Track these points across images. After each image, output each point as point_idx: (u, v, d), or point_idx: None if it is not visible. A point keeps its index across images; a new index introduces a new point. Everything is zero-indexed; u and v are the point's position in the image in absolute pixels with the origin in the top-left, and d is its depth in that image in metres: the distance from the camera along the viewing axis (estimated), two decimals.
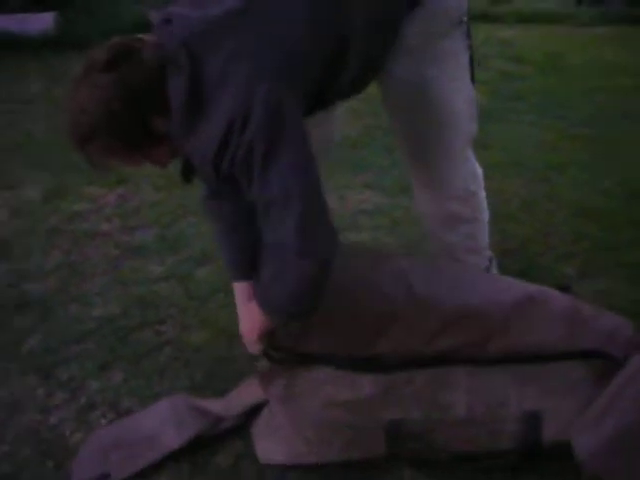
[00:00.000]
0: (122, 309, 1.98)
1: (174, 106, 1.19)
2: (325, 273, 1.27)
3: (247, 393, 1.56)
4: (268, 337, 1.44)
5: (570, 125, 3.31)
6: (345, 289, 1.42)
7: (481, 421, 1.37)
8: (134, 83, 1.17)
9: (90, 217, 2.54)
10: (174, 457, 1.45)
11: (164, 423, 1.53)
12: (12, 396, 1.67)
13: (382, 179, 2.75)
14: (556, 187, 2.69)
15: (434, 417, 1.38)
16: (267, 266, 1.31)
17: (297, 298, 1.29)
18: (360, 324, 1.41)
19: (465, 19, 1.51)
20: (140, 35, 1.24)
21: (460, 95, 1.54)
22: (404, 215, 2.41)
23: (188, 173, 1.37)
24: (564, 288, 1.70)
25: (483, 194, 1.73)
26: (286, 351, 1.45)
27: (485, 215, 1.76)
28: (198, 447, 1.47)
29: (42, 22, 4.99)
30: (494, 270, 1.83)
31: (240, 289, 1.55)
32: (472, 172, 1.68)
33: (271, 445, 1.45)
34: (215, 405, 1.55)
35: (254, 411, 1.53)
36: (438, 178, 1.64)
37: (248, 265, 1.47)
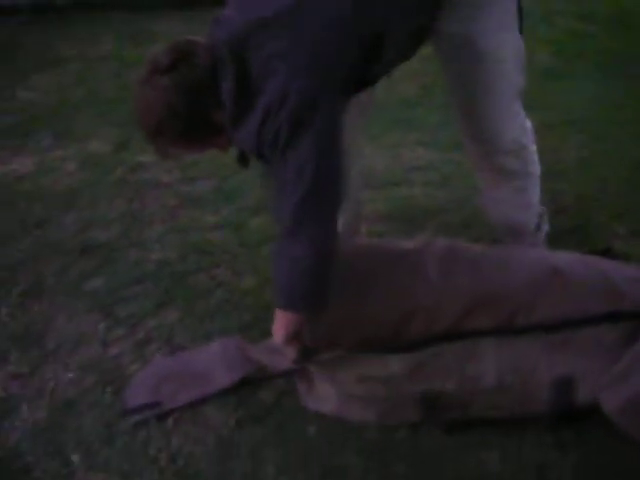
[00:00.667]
0: (178, 254, 2.08)
1: (226, 103, 1.31)
2: (320, 261, 1.33)
3: (291, 351, 1.59)
4: (295, 342, 1.48)
5: (632, 83, 3.21)
6: (364, 289, 1.47)
7: (512, 388, 1.39)
8: (193, 84, 1.30)
9: (152, 168, 2.65)
10: (220, 391, 1.55)
11: (215, 363, 1.62)
12: (77, 330, 1.80)
13: (435, 136, 2.75)
14: (613, 144, 2.64)
15: (466, 388, 1.41)
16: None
17: (292, 284, 1.36)
18: (383, 323, 1.45)
19: None
20: (192, 37, 1.37)
21: (507, 46, 1.54)
22: (455, 170, 2.42)
23: (243, 158, 1.50)
24: (605, 250, 1.70)
25: (534, 148, 1.73)
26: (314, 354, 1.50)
27: (536, 169, 1.75)
28: (242, 383, 1.56)
29: None
30: (544, 227, 1.83)
31: None
32: (522, 125, 1.68)
33: (314, 399, 1.52)
34: (262, 354, 1.62)
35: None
36: (488, 131, 1.65)
37: None
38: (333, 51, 1.29)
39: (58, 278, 2.01)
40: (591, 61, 3.55)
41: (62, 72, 3.89)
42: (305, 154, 1.27)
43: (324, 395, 1.49)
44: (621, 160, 2.52)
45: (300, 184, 1.28)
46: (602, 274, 1.46)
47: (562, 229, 1.99)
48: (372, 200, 2.23)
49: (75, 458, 1.43)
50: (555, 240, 1.85)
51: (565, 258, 1.53)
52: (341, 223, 1.60)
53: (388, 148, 2.64)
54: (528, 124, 1.71)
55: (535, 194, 1.78)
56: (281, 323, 1.44)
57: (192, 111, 1.32)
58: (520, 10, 1.55)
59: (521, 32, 1.56)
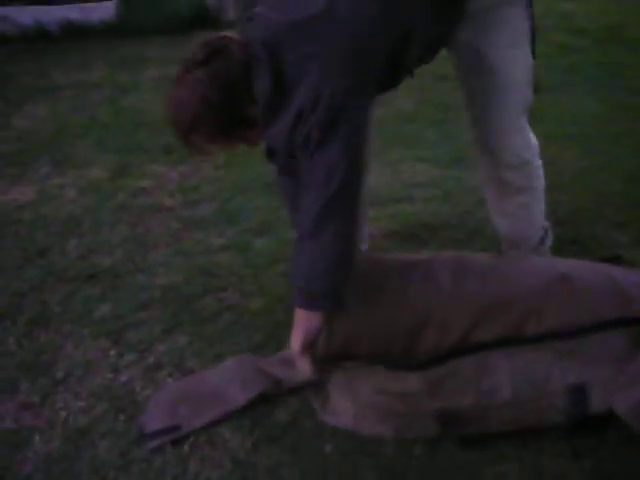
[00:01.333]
0: (185, 278, 2.08)
1: (260, 99, 1.34)
2: (342, 258, 1.39)
3: (305, 364, 1.60)
4: (311, 351, 1.50)
5: (626, 96, 3.26)
6: (377, 300, 1.48)
7: (528, 400, 1.39)
8: (227, 78, 1.33)
9: (154, 193, 2.66)
10: (235, 412, 1.54)
11: (230, 380, 1.61)
12: (85, 357, 1.78)
13: (434, 152, 2.79)
14: (609, 157, 2.67)
15: (482, 403, 1.41)
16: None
17: (314, 282, 1.39)
18: (396, 332, 1.47)
19: None
20: (226, 32, 1.41)
21: (518, 62, 1.58)
22: (456, 186, 2.44)
23: (270, 154, 1.51)
24: (614, 258, 1.71)
25: (538, 163, 1.75)
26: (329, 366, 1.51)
27: (541, 184, 1.77)
28: (258, 402, 1.55)
29: (104, 11, 5.15)
30: (548, 241, 1.85)
31: None
32: (527, 141, 1.71)
33: (330, 414, 1.51)
34: (277, 368, 1.62)
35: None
36: (494, 144, 1.68)
37: None
38: (363, 53, 1.32)
39: (64, 306, 2.00)
40: (583, 75, 3.61)
41: (57, 100, 3.91)
42: (334, 157, 1.30)
43: (340, 409, 1.48)
44: (616, 172, 2.55)
45: (327, 186, 1.31)
46: (610, 279, 1.47)
47: (562, 240, 2.01)
48: (375, 218, 2.25)
49: None
50: (555, 251, 1.87)
51: (573, 264, 1.54)
52: None
53: (388, 165, 2.66)
54: (534, 140, 1.73)
55: (539, 209, 1.80)
56: (300, 328, 1.46)
57: (227, 104, 1.34)
58: (533, 32, 1.58)
59: (534, 53, 1.59)
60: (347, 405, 1.48)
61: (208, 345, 1.78)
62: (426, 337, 1.46)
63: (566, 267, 1.52)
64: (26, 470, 1.46)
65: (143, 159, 2.95)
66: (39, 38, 5.02)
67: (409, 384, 1.44)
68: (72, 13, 5.06)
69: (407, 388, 1.44)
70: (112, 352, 1.79)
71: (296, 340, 1.49)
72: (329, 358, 1.50)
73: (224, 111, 1.35)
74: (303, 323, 1.47)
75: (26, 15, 5.04)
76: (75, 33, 5.01)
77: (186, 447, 1.47)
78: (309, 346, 1.48)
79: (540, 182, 1.78)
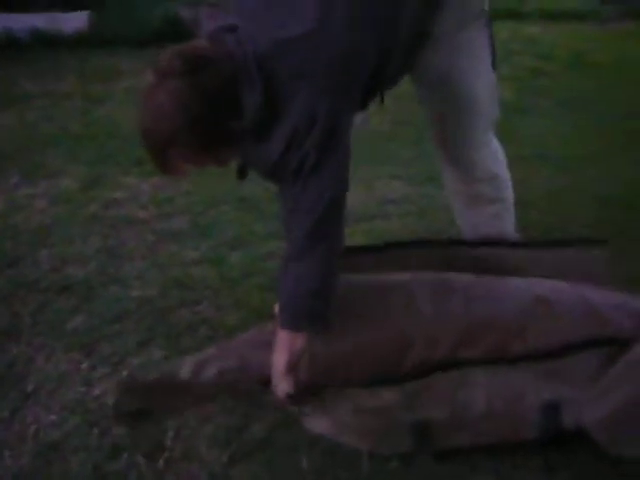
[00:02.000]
0: (159, 291, 2.06)
1: (249, 116, 1.28)
2: (328, 279, 1.41)
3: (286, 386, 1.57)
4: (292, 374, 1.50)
5: (594, 119, 3.35)
6: (358, 325, 1.49)
7: (501, 414, 1.41)
8: (211, 89, 1.25)
9: (127, 205, 2.64)
10: (212, 422, 1.53)
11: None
12: (57, 370, 1.75)
13: (408, 170, 2.82)
14: (579, 178, 2.74)
15: (456, 415, 1.43)
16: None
17: (298, 302, 1.41)
18: (378, 357, 1.48)
19: (486, 9, 1.58)
20: (197, 42, 1.33)
21: (481, 81, 1.62)
22: (431, 203, 2.47)
23: (243, 171, 1.48)
24: (601, 241, 1.75)
25: (507, 175, 1.80)
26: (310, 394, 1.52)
27: (510, 195, 1.82)
28: (233, 417, 1.54)
29: (76, 21, 5.12)
30: None
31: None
32: (494, 154, 1.76)
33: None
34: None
35: None
36: (462, 160, 1.72)
37: None
38: (353, 70, 1.32)
39: (35, 318, 1.97)
40: (553, 98, 3.69)
41: (27, 109, 3.86)
42: (327, 181, 1.31)
43: (318, 426, 1.49)
44: (585, 193, 2.61)
45: (317, 208, 1.32)
46: (585, 302, 1.51)
47: None
48: (349, 234, 2.24)
49: None
50: None
51: (549, 286, 1.57)
52: None
53: (362, 182, 2.68)
54: (501, 153, 1.78)
55: (510, 220, 1.85)
56: (284, 350, 1.45)
57: (211, 117, 1.26)
58: (492, 47, 1.62)
59: (494, 67, 1.64)
60: (325, 424, 1.48)
61: (185, 357, 1.76)
62: (409, 360, 1.47)
63: (542, 289, 1.55)
64: None
65: (115, 170, 2.93)
66: (8, 46, 4.96)
67: (384, 398, 1.45)
68: (43, 22, 5.01)
69: (382, 403, 1.45)
70: (84, 365, 1.77)
71: (279, 362, 1.48)
72: (311, 385, 1.50)
73: (207, 124, 1.27)
74: (287, 344, 1.47)
75: None
76: (46, 42, 4.96)
77: (161, 462, 1.45)
78: (292, 368, 1.48)
79: (509, 193, 1.82)
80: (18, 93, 4.10)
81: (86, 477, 1.44)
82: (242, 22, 1.34)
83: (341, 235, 1.43)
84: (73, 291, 2.09)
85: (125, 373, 1.73)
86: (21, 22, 5.07)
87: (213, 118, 1.27)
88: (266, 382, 1.57)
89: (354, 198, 2.55)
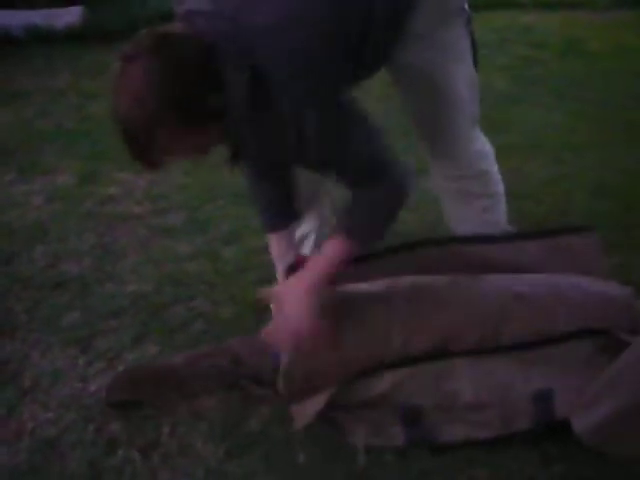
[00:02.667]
0: (154, 286, 2.07)
1: (234, 97, 1.22)
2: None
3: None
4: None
5: (589, 108, 3.33)
6: (337, 337, 1.48)
7: (490, 405, 1.42)
8: (184, 63, 1.18)
9: (122, 201, 2.64)
10: (206, 419, 1.54)
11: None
12: (53, 366, 1.76)
13: None
14: (574, 167, 2.73)
15: (444, 405, 1.44)
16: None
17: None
18: (357, 369, 1.47)
19: (466, 7, 1.58)
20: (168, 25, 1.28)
21: (462, 79, 1.61)
22: (423, 196, 2.45)
23: (235, 159, 1.42)
24: (587, 228, 1.76)
25: (495, 169, 1.79)
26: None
27: (500, 189, 1.81)
28: (229, 412, 1.55)
29: (69, 16, 5.08)
30: None
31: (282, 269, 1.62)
32: (481, 151, 1.75)
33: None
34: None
35: None
36: (447, 157, 1.72)
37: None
38: (331, 48, 1.30)
39: (31, 314, 1.97)
40: (547, 86, 3.67)
41: (22, 105, 3.84)
42: (355, 148, 1.34)
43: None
44: (581, 182, 2.60)
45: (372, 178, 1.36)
46: (563, 296, 1.51)
47: None
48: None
49: None
50: None
51: (528, 282, 1.57)
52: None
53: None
54: (488, 148, 1.77)
55: (501, 212, 1.84)
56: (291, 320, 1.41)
57: (187, 91, 1.19)
58: (474, 44, 1.62)
59: (476, 65, 1.63)
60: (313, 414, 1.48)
61: (178, 354, 1.77)
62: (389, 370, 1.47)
63: (521, 286, 1.54)
64: None
65: (110, 166, 2.93)
66: (4, 43, 4.93)
67: (372, 389, 1.46)
68: (38, 18, 4.97)
69: (370, 394, 1.46)
70: (80, 361, 1.77)
71: (297, 306, 1.43)
72: (291, 396, 1.50)
73: (186, 101, 1.19)
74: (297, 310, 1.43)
75: None
76: (41, 38, 4.92)
77: (157, 457, 1.46)
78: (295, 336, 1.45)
79: (500, 187, 1.81)
80: (13, 90, 4.08)
81: (82, 473, 1.45)
82: (206, 3, 1.29)
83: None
84: (68, 287, 2.09)
85: (121, 368, 1.73)
86: (17, 18, 5.05)
87: (191, 94, 1.20)
88: (259, 381, 1.57)
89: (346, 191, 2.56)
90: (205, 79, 1.21)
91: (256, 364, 1.59)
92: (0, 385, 1.71)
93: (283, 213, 1.68)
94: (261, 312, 1.81)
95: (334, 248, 1.42)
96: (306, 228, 1.91)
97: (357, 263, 1.51)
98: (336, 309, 1.51)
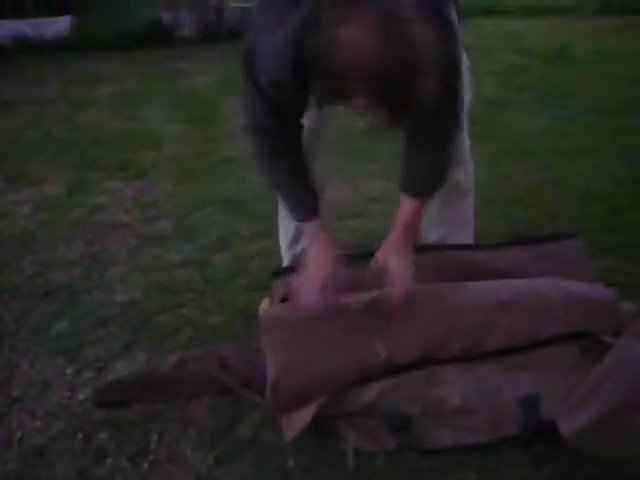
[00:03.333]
0: (143, 294, 2.06)
1: None
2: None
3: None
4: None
5: (575, 113, 3.37)
6: (315, 352, 1.48)
7: (479, 410, 1.42)
8: None
9: (110, 209, 2.64)
10: (196, 425, 1.53)
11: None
12: (42, 376, 1.75)
13: (390, 167, 2.81)
14: (562, 172, 2.75)
15: (432, 411, 1.44)
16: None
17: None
18: (344, 376, 1.46)
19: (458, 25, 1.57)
20: None
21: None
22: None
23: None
24: (572, 235, 1.77)
25: (471, 163, 1.82)
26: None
27: (473, 186, 1.84)
28: (219, 419, 1.55)
29: (58, 26, 5.10)
30: None
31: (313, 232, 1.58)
32: (465, 141, 1.77)
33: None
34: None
35: None
36: None
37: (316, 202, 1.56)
38: None
39: (19, 323, 1.96)
40: (534, 93, 3.71)
41: (11, 115, 3.85)
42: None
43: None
44: (569, 187, 2.63)
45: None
46: (547, 301, 1.52)
47: None
48: (335, 231, 2.25)
49: None
50: None
51: (512, 288, 1.57)
52: None
53: (346, 179, 2.69)
54: (467, 140, 1.79)
55: (472, 215, 1.87)
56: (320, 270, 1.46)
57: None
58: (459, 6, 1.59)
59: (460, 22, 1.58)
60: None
61: (167, 357, 1.76)
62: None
63: (504, 292, 1.54)
64: None
65: (99, 175, 2.93)
66: None
67: (360, 399, 1.45)
68: (27, 28, 4.99)
69: (359, 403, 1.45)
70: (69, 370, 1.76)
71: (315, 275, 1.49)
72: (279, 409, 1.49)
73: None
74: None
75: None
76: (30, 48, 4.94)
77: (146, 465, 1.45)
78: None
79: (473, 183, 1.84)
80: (2, 99, 4.09)
81: None
82: None
83: None
84: (57, 296, 2.09)
85: (110, 377, 1.72)
86: (5, 28, 5.06)
87: None
88: (249, 386, 1.57)
89: (338, 195, 2.57)
90: None
91: (245, 369, 1.59)
92: None
93: (314, 200, 1.59)
94: (250, 318, 1.80)
95: (408, 212, 1.52)
96: None
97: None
98: (322, 322, 1.51)
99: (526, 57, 4.29)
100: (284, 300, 1.62)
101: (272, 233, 2.32)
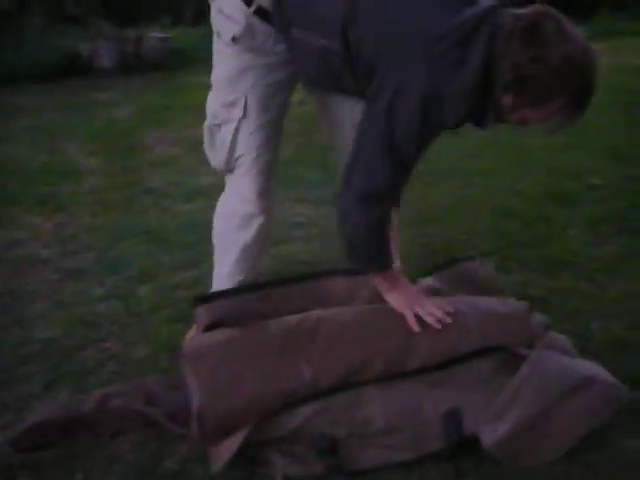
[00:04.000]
0: (64, 330, 2.01)
1: None
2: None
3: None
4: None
5: (494, 133, 3.50)
6: (242, 377, 1.49)
7: (401, 428, 1.46)
8: None
9: (29, 244, 2.57)
10: (122, 461, 1.50)
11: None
12: None
13: (314, 193, 2.88)
14: (478, 191, 2.86)
15: (357, 433, 1.46)
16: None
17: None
18: (270, 400, 1.47)
19: None
20: None
21: None
22: (333, 225, 2.52)
23: None
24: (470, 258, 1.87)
25: None
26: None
27: None
28: (145, 452, 1.52)
29: None
30: None
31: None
32: None
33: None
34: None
35: None
36: None
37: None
38: None
39: None
40: None
41: None
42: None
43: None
44: (485, 205, 2.73)
45: None
46: (462, 319, 1.57)
47: None
48: None
49: None
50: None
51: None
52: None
53: None
54: None
55: None
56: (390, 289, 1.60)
57: None
58: None
59: None
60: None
61: (90, 393, 1.72)
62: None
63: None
64: None
65: (16, 210, 2.86)
66: None
67: (285, 425, 1.46)
68: None
69: (285, 429, 1.46)
70: None
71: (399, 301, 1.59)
72: (205, 439, 1.48)
73: None
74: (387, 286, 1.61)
75: None
76: None
77: None
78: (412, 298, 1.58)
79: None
80: None
81: None
82: None
83: None
84: None
85: (30, 419, 1.67)
86: None
87: None
88: (175, 419, 1.55)
89: None
90: None
91: (171, 401, 1.57)
92: None
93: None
94: (175, 350, 1.79)
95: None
96: None
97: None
98: (246, 348, 1.53)
99: None
100: (210, 328, 1.62)
101: (196, 263, 2.33)
